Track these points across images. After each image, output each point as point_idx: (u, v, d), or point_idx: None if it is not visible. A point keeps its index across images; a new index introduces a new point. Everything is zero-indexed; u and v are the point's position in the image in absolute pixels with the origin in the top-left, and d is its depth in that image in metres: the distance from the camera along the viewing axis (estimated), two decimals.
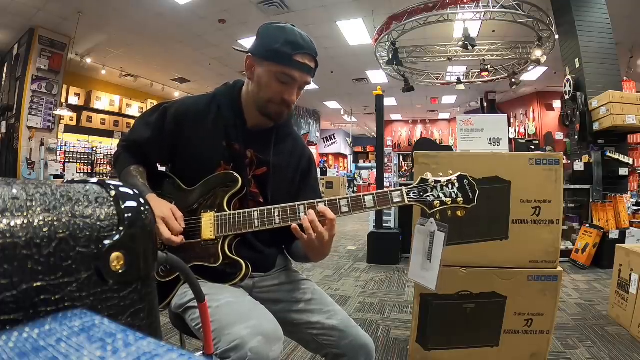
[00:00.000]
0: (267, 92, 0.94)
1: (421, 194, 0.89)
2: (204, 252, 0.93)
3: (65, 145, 7.22)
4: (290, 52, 0.89)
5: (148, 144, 1.01)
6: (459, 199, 0.88)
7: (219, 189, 0.95)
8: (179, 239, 0.89)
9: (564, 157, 1.79)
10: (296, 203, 0.89)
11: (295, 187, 1.06)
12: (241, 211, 0.92)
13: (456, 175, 0.90)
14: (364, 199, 0.89)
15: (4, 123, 6.74)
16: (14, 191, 0.21)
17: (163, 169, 1.08)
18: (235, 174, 0.95)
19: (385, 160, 7.71)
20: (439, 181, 0.90)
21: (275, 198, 0.99)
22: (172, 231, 0.88)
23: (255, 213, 0.90)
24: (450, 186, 0.89)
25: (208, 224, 0.93)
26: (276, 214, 0.89)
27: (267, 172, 1.01)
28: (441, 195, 0.89)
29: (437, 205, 0.89)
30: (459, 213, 0.89)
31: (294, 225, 0.87)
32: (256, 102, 0.97)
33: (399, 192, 0.89)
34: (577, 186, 4.00)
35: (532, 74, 7.84)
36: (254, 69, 0.95)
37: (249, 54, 0.95)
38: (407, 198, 0.89)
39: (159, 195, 0.96)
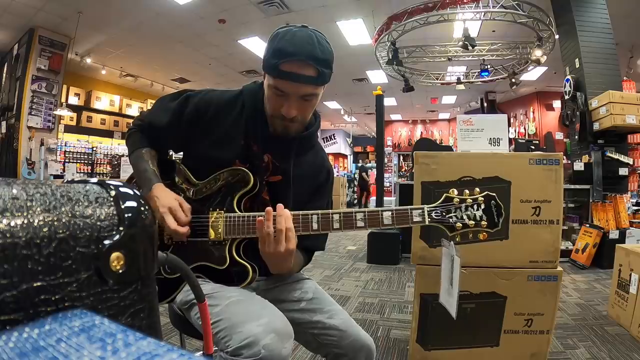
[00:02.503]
0: (268, 106, 0.91)
1: (444, 214, 0.82)
2: (211, 252, 0.91)
3: (65, 145, 7.23)
4: (275, 61, 0.83)
5: (164, 129, 0.98)
6: (482, 222, 0.81)
7: (231, 186, 0.92)
8: (185, 230, 0.87)
9: (564, 157, 1.79)
10: (309, 212, 0.85)
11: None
12: (251, 214, 0.88)
13: (483, 194, 0.82)
14: (381, 214, 0.83)
15: (4, 123, 6.75)
16: (14, 191, 0.21)
17: (177, 155, 1.06)
18: (248, 172, 0.92)
19: (385, 160, 7.70)
20: (465, 200, 0.82)
21: (290, 209, 0.96)
22: (178, 221, 0.86)
23: None
24: (475, 207, 0.82)
25: (217, 223, 0.90)
26: None
27: (281, 181, 0.97)
28: (464, 216, 0.82)
29: (459, 228, 0.82)
30: (480, 236, 0.82)
31: (260, 218, 0.82)
32: (266, 115, 0.94)
33: (420, 211, 0.83)
34: (577, 186, 4.00)
35: (532, 74, 7.84)
36: (264, 80, 0.92)
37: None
38: (428, 218, 0.82)
39: (167, 187, 0.94)
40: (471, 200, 0.82)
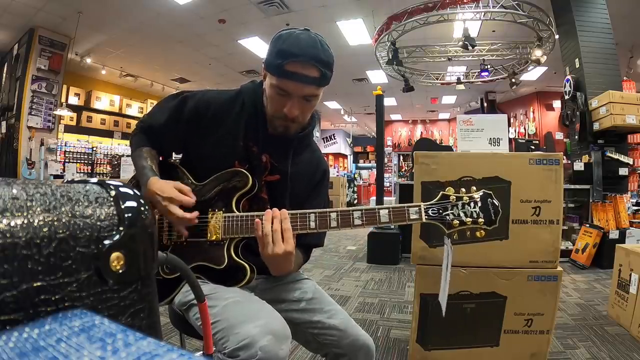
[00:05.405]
0: (270, 106, 0.92)
1: (440, 211, 0.83)
2: (210, 252, 0.91)
3: (65, 145, 7.23)
4: (279, 61, 0.84)
5: (162, 128, 0.99)
6: (479, 220, 0.81)
7: (229, 187, 0.93)
8: (194, 216, 0.87)
9: (564, 157, 1.79)
10: (307, 210, 0.85)
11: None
12: (249, 214, 0.89)
13: (480, 193, 0.83)
14: (378, 212, 0.84)
15: (4, 123, 6.74)
16: (14, 191, 0.21)
17: (178, 156, 1.07)
18: (247, 173, 0.92)
19: (385, 160, 7.70)
20: (461, 198, 0.83)
21: (288, 208, 0.97)
22: (183, 205, 0.86)
23: None
24: (472, 204, 0.82)
25: (216, 224, 0.91)
26: None
27: (279, 181, 0.98)
28: (461, 214, 0.82)
29: (456, 225, 0.82)
30: (478, 234, 0.82)
31: (257, 219, 0.84)
32: (266, 115, 0.95)
33: (417, 208, 0.83)
34: (577, 186, 4.00)
35: (532, 74, 7.84)
36: (265, 80, 0.93)
37: (263, 64, 0.92)
38: (425, 216, 0.83)
39: None
40: (468, 198, 0.83)
